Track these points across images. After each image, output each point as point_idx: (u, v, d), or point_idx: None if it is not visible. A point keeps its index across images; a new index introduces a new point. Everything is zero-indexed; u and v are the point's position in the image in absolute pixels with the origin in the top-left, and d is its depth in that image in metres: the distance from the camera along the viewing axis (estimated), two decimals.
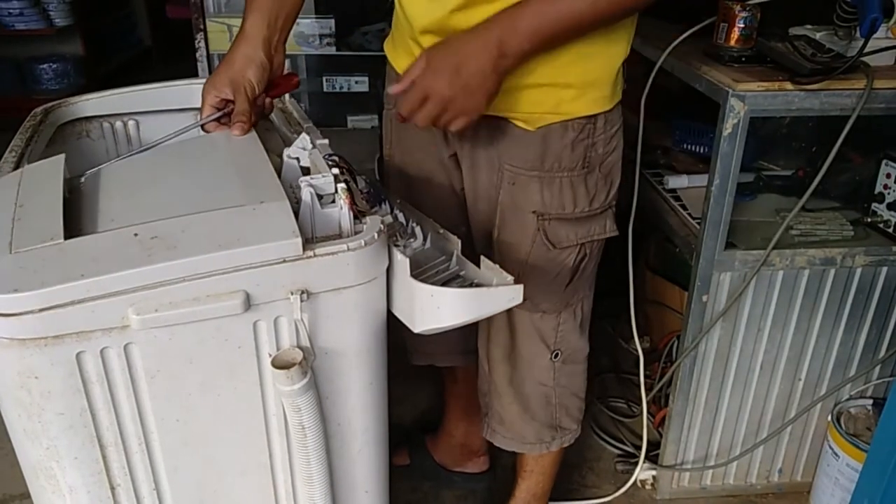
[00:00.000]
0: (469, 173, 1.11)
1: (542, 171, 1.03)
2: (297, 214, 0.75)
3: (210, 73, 3.34)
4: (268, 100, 1.04)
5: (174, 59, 4.30)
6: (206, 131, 1.00)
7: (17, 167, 0.95)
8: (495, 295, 0.70)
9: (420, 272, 0.82)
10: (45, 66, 3.80)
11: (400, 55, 1.10)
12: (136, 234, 0.69)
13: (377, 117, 2.98)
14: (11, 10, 3.63)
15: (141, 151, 1.00)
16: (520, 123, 1.01)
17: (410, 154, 1.19)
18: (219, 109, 0.99)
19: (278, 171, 0.86)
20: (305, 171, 0.88)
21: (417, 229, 0.92)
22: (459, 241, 0.85)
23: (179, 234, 0.68)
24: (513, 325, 1.15)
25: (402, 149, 1.20)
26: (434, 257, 0.89)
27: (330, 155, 0.90)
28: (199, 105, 1.23)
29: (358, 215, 0.79)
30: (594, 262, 1.14)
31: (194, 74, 3.25)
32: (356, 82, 3.46)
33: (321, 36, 3.25)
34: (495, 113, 1.00)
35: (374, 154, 2.86)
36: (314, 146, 0.90)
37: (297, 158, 0.89)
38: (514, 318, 1.14)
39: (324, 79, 3.43)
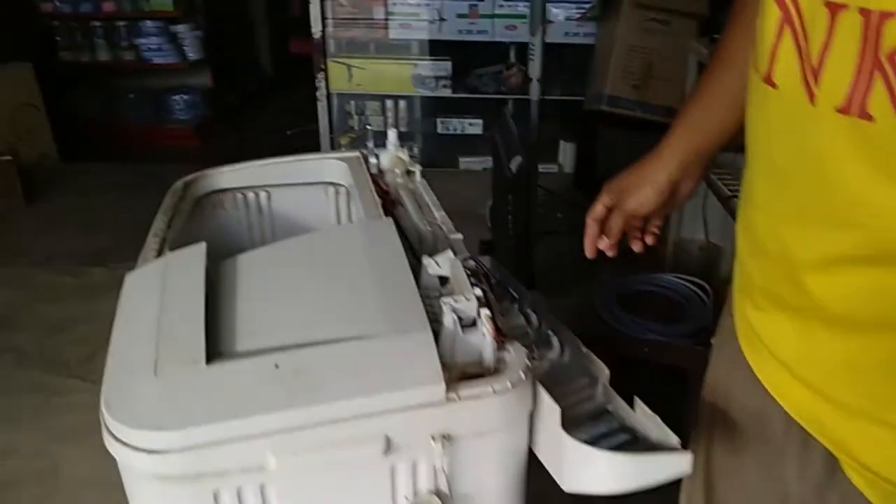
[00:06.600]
0: None
1: None
2: (436, 335, 0.70)
3: (329, 113, 3.44)
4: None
5: (292, 90, 4.51)
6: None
7: (159, 252, 0.97)
8: (662, 463, 0.62)
9: (560, 392, 0.75)
10: (177, 96, 4.04)
11: (764, 309, 0.66)
12: (276, 366, 0.66)
13: (491, 159, 2.93)
14: (151, 46, 3.89)
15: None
16: (858, 480, 0.60)
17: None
18: (609, 210, 0.90)
19: (414, 273, 0.82)
20: (443, 280, 0.84)
21: (554, 339, 0.86)
22: (608, 371, 0.77)
23: (321, 370, 0.65)
24: None
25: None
26: (574, 376, 0.82)
27: (467, 259, 0.86)
28: (329, 179, 1.24)
29: (499, 342, 0.73)
30: None
31: (312, 103, 3.36)
32: (470, 124, 3.46)
33: (437, 78, 3.27)
34: (829, 445, 0.61)
35: (485, 198, 2.81)
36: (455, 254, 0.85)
37: (436, 262, 0.86)
38: None
39: (438, 120, 3.45)
